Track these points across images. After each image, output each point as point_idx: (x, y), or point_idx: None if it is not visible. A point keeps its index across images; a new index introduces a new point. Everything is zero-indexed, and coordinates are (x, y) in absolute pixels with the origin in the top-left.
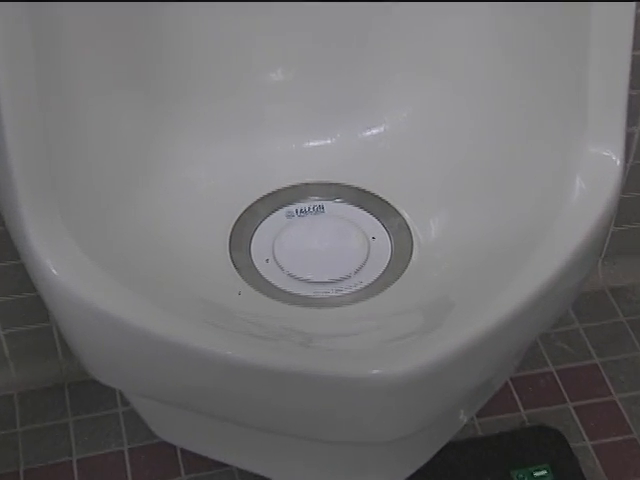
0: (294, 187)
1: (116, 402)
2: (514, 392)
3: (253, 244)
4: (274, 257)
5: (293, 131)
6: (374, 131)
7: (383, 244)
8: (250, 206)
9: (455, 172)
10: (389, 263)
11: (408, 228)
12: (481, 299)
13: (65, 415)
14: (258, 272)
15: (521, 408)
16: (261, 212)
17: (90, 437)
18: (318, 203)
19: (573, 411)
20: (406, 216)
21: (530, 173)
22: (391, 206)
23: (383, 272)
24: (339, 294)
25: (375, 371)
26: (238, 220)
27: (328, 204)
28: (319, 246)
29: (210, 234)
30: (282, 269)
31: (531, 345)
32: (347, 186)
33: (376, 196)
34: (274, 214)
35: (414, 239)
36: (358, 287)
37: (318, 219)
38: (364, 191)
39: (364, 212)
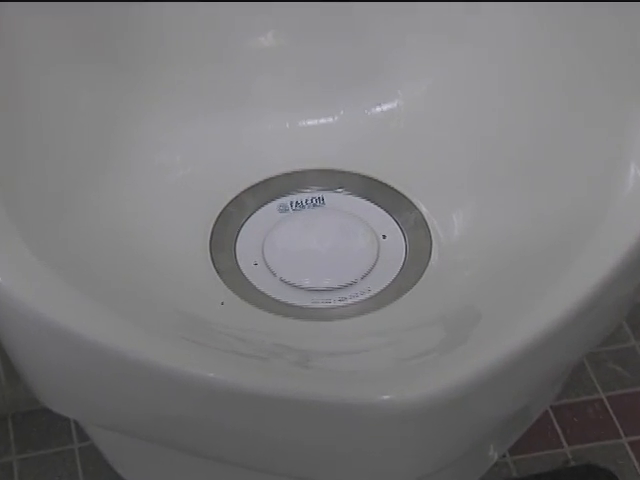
0: (288, 175)
1: (71, 436)
2: (555, 424)
3: (239, 244)
4: (264, 259)
5: (287, 107)
6: (385, 107)
7: (396, 244)
8: (235, 198)
9: (483, 158)
10: (403, 266)
11: (426, 224)
12: (513, 310)
13: (8, 452)
14: (245, 277)
15: (564, 443)
16: (249, 205)
17: (39, 479)
18: (317, 194)
19: (628, 447)
20: (423, 210)
21: (574, 160)
22: (405, 198)
23: (396, 277)
24: (343, 304)
25: (386, 396)
26: (221, 215)
27: (329, 195)
28: (318, 246)
29: (187, 231)
30: (274, 274)
31: (576, 366)
32: (352, 174)
33: (387, 186)
34: (264, 207)
35: (433, 238)
36: (366, 295)
37: (317, 214)
38: (373, 180)
39: (373, 205)
